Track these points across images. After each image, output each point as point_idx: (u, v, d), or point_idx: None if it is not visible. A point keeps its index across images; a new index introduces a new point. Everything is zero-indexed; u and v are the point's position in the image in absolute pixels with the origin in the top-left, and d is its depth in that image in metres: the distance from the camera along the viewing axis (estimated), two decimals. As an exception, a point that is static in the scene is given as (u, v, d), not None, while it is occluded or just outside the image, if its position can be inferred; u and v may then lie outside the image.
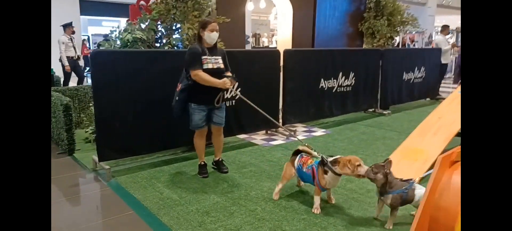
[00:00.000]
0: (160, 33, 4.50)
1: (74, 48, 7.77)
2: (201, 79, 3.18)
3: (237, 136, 4.84)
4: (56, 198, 3.15)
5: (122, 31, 4.06)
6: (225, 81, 3.22)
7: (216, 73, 3.23)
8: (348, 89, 6.00)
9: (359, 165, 2.68)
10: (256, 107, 3.26)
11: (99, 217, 2.87)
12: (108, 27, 7.49)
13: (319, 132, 5.32)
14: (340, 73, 5.82)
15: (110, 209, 3.00)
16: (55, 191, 3.30)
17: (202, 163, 3.60)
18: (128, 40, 3.91)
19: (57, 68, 7.57)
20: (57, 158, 4.17)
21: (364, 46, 8.04)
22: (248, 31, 10.08)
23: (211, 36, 3.24)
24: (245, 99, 3.32)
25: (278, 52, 5.00)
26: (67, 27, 7.69)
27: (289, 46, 7.09)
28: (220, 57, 3.32)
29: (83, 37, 12.47)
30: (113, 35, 4.11)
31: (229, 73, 3.35)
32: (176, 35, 4.57)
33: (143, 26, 4.25)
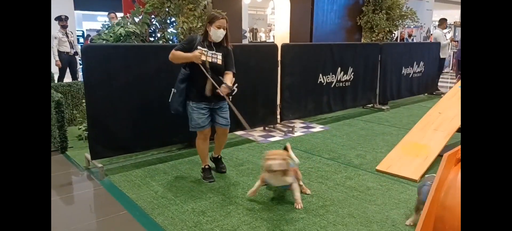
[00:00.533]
0: (154, 27, 4.38)
1: (71, 43, 7.60)
2: (174, 58, 3.05)
3: (235, 132, 4.75)
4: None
5: (114, 24, 3.94)
6: (195, 54, 2.98)
7: (211, 68, 3.08)
8: (346, 85, 5.92)
9: (269, 159, 2.60)
10: (235, 109, 3.09)
11: (92, 217, 2.77)
12: (103, 22, 7.33)
13: (318, 128, 5.24)
14: (339, 68, 5.72)
15: (102, 208, 2.91)
16: (46, 191, 3.19)
17: (207, 166, 3.36)
18: (121, 34, 3.79)
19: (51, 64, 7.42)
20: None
21: (363, 40, 7.95)
22: (245, 26, 9.96)
23: (217, 33, 3.06)
24: (229, 102, 3.12)
25: (275, 46, 4.90)
26: (57, 21, 7.52)
27: (286, 40, 6.99)
28: (220, 53, 3.12)
29: (87, 33, 12.27)
30: (105, 30, 3.99)
31: (229, 77, 3.14)
32: (170, 29, 4.46)
33: (136, 19, 4.13)
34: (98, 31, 7.12)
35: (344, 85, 5.88)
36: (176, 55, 3.06)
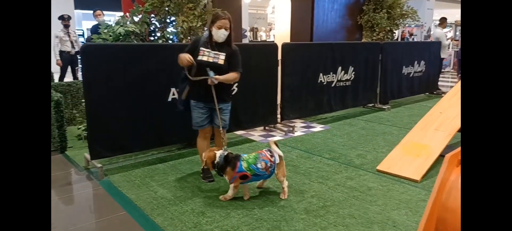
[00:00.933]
0: (153, 26, 4.36)
1: (72, 42, 7.58)
2: (179, 59, 3.05)
3: (235, 132, 4.73)
4: (45, 198, 3.04)
5: (114, 24, 3.92)
6: (184, 56, 2.99)
7: (211, 68, 3.06)
8: (347, 84, 5.89)
9: None
10: (217, 108, 3.14)
11: (91, 218, 2.75)
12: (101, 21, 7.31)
13: (318, 128, 5.22)
14: (339, 68, 5.70)
15: (102, 209, 2.89)
16: (45, 191, 3.18)
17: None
18: (120, 33, 3.77)
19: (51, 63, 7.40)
20: (49, 156, 4.05)
21: (363, 39, 7.93)
22: (245, 25, 9.93)
23: (218, 33, 3.03)
24: (215, 100, 3.07)
25: (275, 45, 4.88)
26: (60, 20, 7.52)
27: (287, 40, 6.97)
28: (224, 54, 3.09)
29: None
30: (105, 30, 3.96)
31: (230, 76, 3.11)
32: (170, 28, 4.44)
33: (136, 19, 4.11)
34: (94, 28, 7.12)
35: (344, 84, 5.85)
36: (178, 57, 3.07)
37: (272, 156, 2.85)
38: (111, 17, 12.55)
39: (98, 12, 7.41)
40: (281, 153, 2.89)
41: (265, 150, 2.92)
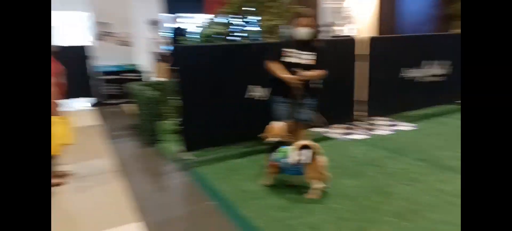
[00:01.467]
0: (237, 27, 4.54)
1: (159, 44, 8.26)
2: (270, 70, 3.19)
3: (313, 129, 4.68)
4: (143, 185, 3.37)
5: (206, 26, 4.18)
6: (291, 77, 3.08)
7: (297, 68, 3.12)
8: (438, 79, 5.44)
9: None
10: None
11: (182, 206, 2.99)
12: (182, 23, 7.95)
13: (405, 126, 4.91)
14: (429, 62, 5.29)
15: (192, 198, 3.11)
16: (142, 179, 3.53)
17: None
18: (208, 35, 4.01)
19: (145, 64, 8.16)
20: (144, 148, 4.47)
21: (455, 30, 7.24)
22: (324, 20, 9.76)
23: (301, 32, 3.16)
24: (300, 95, 3.19)
25: (352, 40, 4.72)
26: (153, 25, 8.24)
27: (367, 33, 6.69)
28: (310, 53, 3.17)
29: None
30: (199, 32, 4.24)
31: (314, 72, 3.17)
32: (252, 28, 4.57)
33: (221, 20, 4.32)
34: (178, 29, 7.73)
35: (435, 80, 5.42)
36: (273, 70, 3.20)
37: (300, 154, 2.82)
38: (191, 19, 13.36)
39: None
40: (306, 157, 2.78)
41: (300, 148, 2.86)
